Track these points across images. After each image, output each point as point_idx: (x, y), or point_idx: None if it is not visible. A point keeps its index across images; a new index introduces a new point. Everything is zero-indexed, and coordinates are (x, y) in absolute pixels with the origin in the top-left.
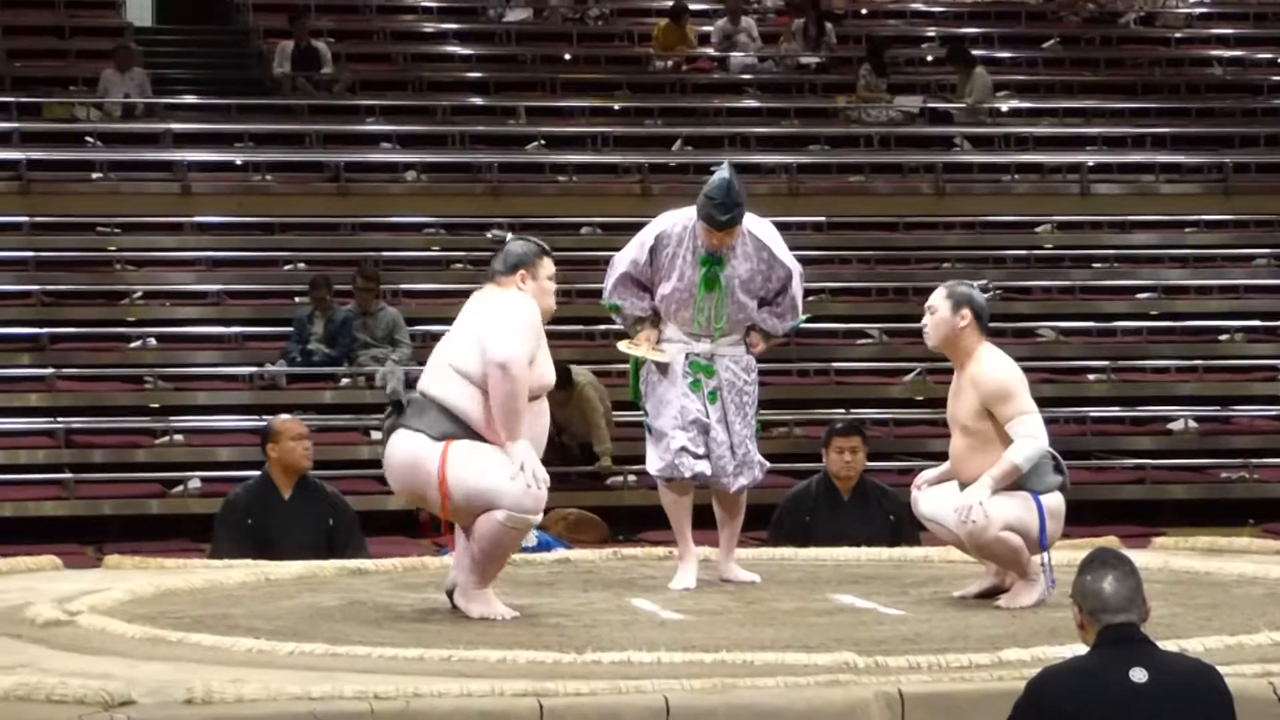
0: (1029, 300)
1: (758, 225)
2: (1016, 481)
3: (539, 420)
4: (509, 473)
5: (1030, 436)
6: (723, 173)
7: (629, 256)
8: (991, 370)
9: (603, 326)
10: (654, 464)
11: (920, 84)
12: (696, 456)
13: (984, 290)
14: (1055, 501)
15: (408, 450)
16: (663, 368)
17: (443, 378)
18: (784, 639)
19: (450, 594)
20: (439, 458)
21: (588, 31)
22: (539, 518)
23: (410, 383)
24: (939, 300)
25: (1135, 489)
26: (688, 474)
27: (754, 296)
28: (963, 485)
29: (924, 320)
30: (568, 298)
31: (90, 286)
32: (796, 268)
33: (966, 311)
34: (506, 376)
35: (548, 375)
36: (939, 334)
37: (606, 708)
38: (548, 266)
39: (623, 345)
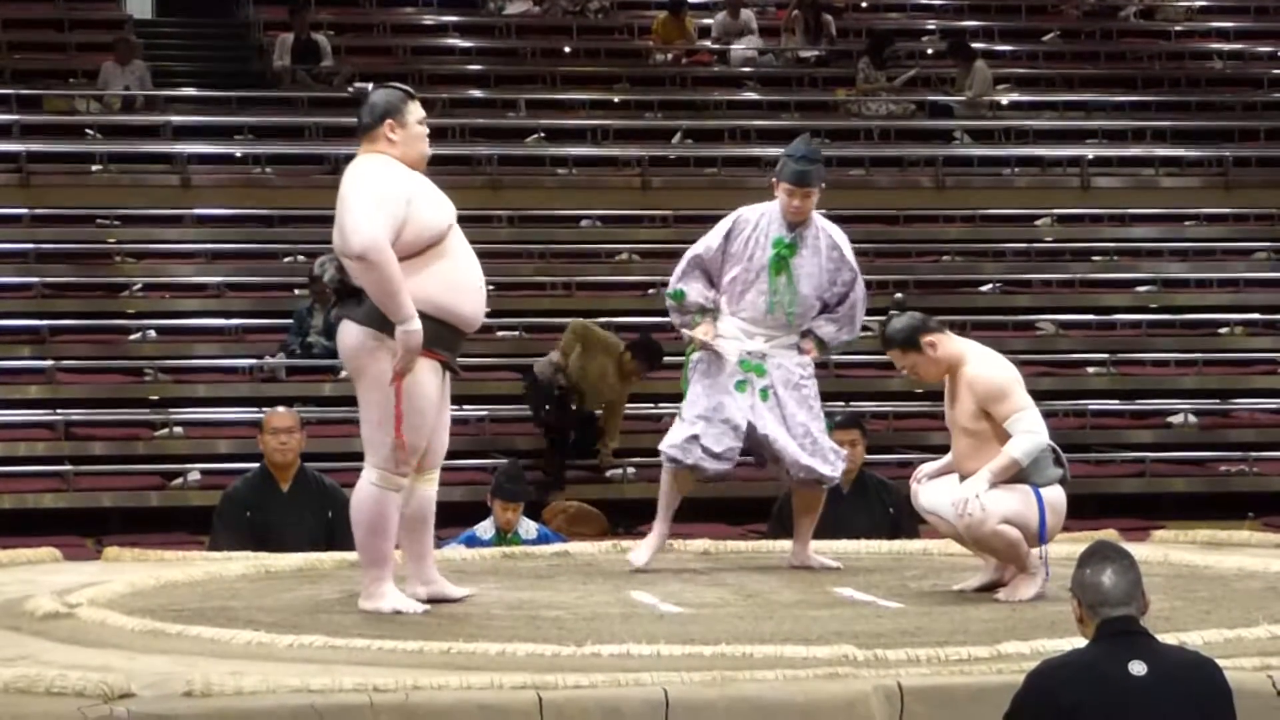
0: (1029, 293)
1: (832, 226)
2: (1017, 475)
3: (454, 265)
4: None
5: (1028, 431)
6: (801, 138)
7: (704, 242)
8: (984, 371)
9: (603, 319)
10: (666, 442)
11: (920, 77)
12: (708, 451)
13: (897, 305)
14: (1056, 495)
15: (349, 345)
16: (717, 358)
17: (344, 265)
18: (783, 632)
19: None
20: (392, 385)
21: (588, 24)
22: (405, 480)
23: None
24: (899, 358)
25: (1135, 482)
26: (688, 460)
27: (818, 295)
28: (961, 476)
29: (905, 373)
30: (567, 291)
31: (90, 279)
32: (861, 277)
33: (928, 338)
34: (367, 266)
35: (434, 222)
36: (931, 374)
37: (606, 700)
38: (416, 110)
39: (690, 331)
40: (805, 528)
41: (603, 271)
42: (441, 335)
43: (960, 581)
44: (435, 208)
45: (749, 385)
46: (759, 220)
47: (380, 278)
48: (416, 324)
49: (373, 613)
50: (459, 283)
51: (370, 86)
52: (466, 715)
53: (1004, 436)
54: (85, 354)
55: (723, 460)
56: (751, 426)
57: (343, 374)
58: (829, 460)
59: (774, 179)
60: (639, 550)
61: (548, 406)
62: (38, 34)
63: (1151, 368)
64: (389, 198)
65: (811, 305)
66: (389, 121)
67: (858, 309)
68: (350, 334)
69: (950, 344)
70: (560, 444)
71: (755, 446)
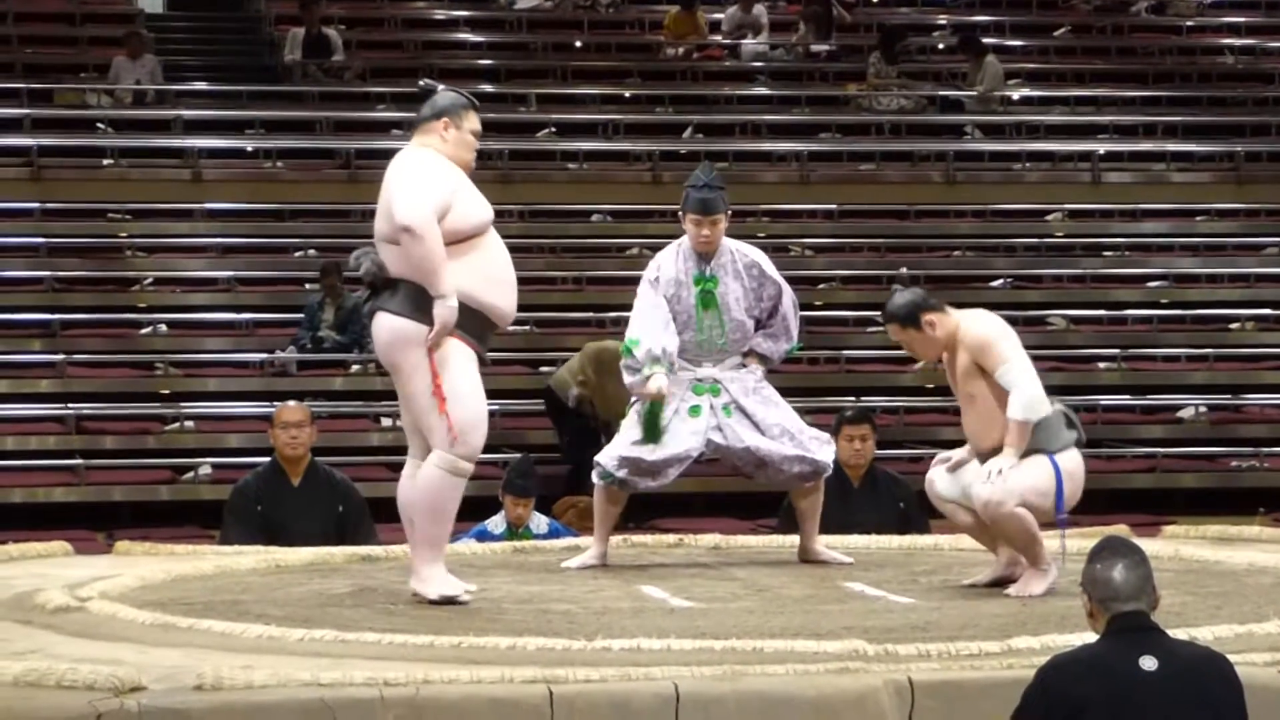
0: (1039, 288)
1: (744, 246)
2: (1031, 444)
3: (490, 259)
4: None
5: (1017, 386)
6: (701, 167)
7: (643, 297)
8: (972, 327)
9: (614, 314)
10: (603, 456)
11: (931, 72)
12: (639, 466)
13: (902, 281)
14: (1072, 460)
15: (387, 334)
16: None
17: (382, 253)
18: (794, 626)
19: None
20: (428, 358)
21: (599, 19)
22: (470, 466)
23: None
24: (898, 332)
25: (1146, 477)
26: (619, 474)
27: (749, 315)
28: (987, 452)
29: (908, 352)
30: (578, 285)
31: (101, 273)
32: (787, 287)
33: (929, 317)
34: (414, 238)
35: (475, 214)
36: (929, 352)
37: (616, 695)
38: (473, 120)
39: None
40: (810, 525)
41: (613, 266)
42: (473, 323)
43: (971, 576)
44: (477, 202)
45: (704, 409)
46: (675, 262)
47: (424, 251)
48: (454, 300)
49: (420, 595)
50: (494, 276)
51: (440, 86)
52: (477, 709)
53: (1000, 395)
54: (96, 348)
55: (655, 477)
56: (719, 447)
57: (353, 369)
58: (816, 446)
59: (680, 213)
60: (577, 558)
61: (566, 425)
62: (49, 28)
63: (1162, 363)
64: (437, 181)
65: (747, 327)
66: (445, 120)
67: (790, 318)
68: (386, 325)
69: (948, 321)
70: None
71: (735, 461)
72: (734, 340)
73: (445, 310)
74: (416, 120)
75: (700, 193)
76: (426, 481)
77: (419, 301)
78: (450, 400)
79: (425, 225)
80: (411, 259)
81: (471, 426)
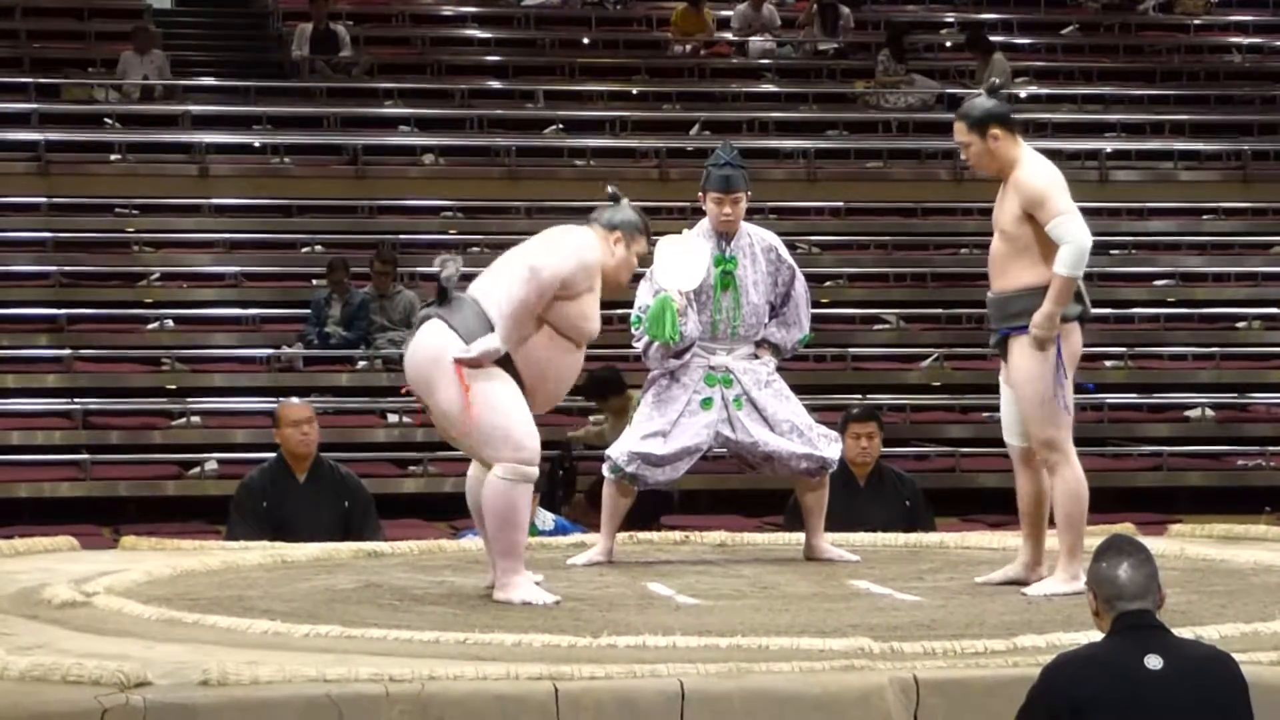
0: None
1: (762, 230)
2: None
3: (563, 363)
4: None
5: (1070, 242)
6: (722, 146)
7: (649, 288)
8: (1030, 175)
9: (620, 311)
10: (613, 450)
11: (939, 70)
12: (650, 459)
13: (992, 89)
14: (1073, 334)
15: (436, 345)
16: (675, 380)
17: (491, 281)
18: (799, 624)
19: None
20: (456, 373)
21: (606, 16)
22: (535, 469)
23: (465, 279)
24: (962, 133)
25: (1152, 476)
26: (629, 469)
27: (765, 299)
28: (999, 294)
29: (962, 156)
30: None
31: (108, 268)
32: (799, 272)
33: (995, 130)
34: (528, 280)
35: (589, 322)
36: (985, 164)
37: (621, 691)
38: (642, 245)
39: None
40: (815, 522)
41: None
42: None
43: (982, 574)
44: (595, 315)
45: (716, 400)
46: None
47: (525, 297)
48: (504, 350)
49: (505, 603)
50: (552, 377)
51: (626, 201)
52: (482, 705)
53: (1042, 244)
54: (103, 343)
55: (666, 470)
56: (728, 440)
57: (360, 364)
58: (823, 444)
59: (700, 192)
60: (583, 554)
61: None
62: (57, 23)
63: (1169, 361)
64: (587, 268)
65: (762, 312)
66: (619, 234)
67: (801, 307)
68: (439, 334)
69: (1013, 146)
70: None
71: (743, 455)
72: (749, 325)
73: (491, 348)
74: (593, 218)
75: (722, 170)
76: (492, 494)
77: (473, 327)
78: (484, 406)
79: (546, 276)
80: (509, 291)
81: (520, 430)
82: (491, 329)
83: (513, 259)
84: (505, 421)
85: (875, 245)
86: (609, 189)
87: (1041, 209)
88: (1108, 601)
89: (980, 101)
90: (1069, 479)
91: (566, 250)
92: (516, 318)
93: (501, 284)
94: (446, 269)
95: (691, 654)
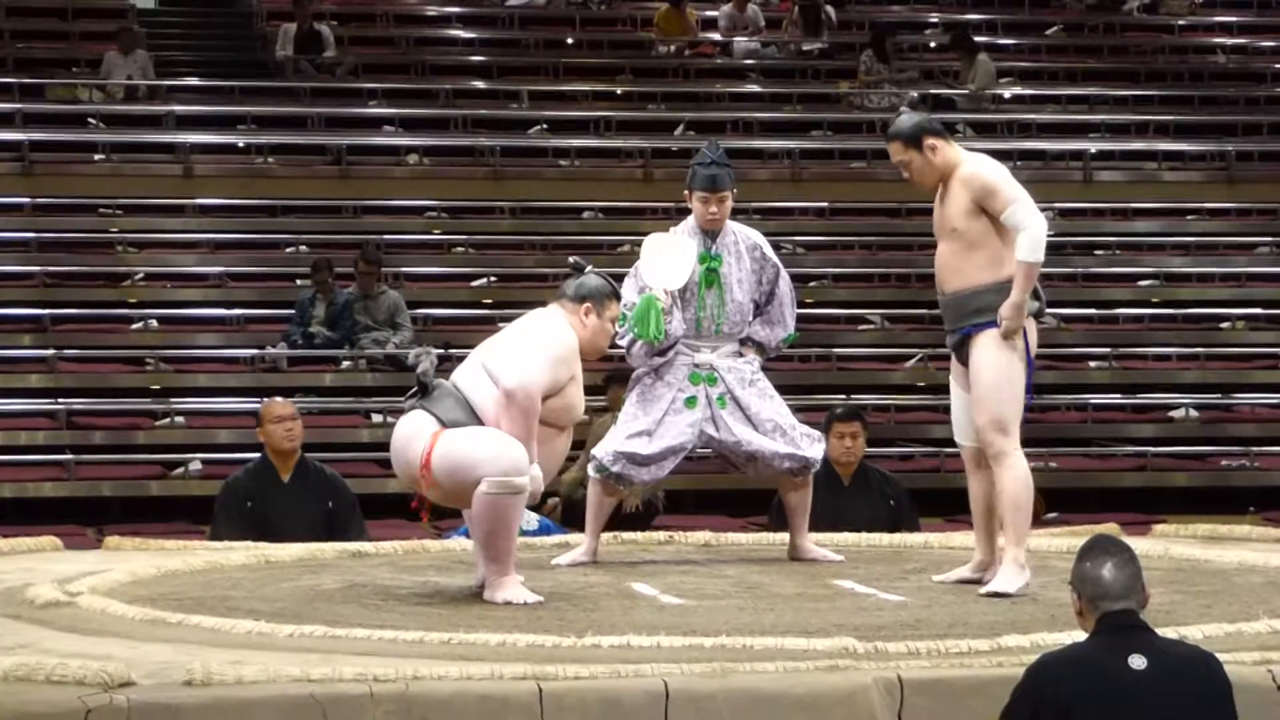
0: None
1: (746, 228)
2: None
3: (553, 452)
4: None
5: (1026, 228)
6: (708, 144)
7: (634, 285)
8: (977, 168)
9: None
10: (599, 450)
11: (923, 70)
12: (635, 459)
13: (910, 105)
14: (1029, 331)
15: (412, 429)
16: (659, 379)
17: (472, 373)
18: (784, 624)
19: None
20: (430, 438)
21: (590, 16)
22: (524, 479)
23: (443, 370)
24: (899, 152)
25: (1136, 476)
26: (614, 468)
27: (750, 297)
28: (955, 293)
29: (904, 175)
30: None
31: (92, 268)
32: (784, 271)
33: (930, 140)
34: (512, 404)
35: (574, 411)
36: (926, 177)
37: (606, 692)
38: (613, 309)
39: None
40: (799, 522)
41: (605, 264)
42: None
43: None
44: (580, 399)
45: (700, 399)
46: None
47: (517, 424)
48: (538, 470)
49: (489, 602)
50: (543, 462)
51: (589, 269)
52: (466, 705)
53: (995, 239)
54: (87, 343)
55: (651, 469)
56: (712, 438)
57: (344, 365)
58: (806, 443)
59: (686, 191)
60: (567, 554)
61: None
62: (41, 22)
63: (1153, 362)
64: (564, 365)
65: (746, 310)
66: (589, 305)
67: (786, 305)
68: (419, 419)
69: (950, 151)
70: None
71: (726, 454)
72: (734, 323)
73: (535, 484)
74: (560, 294)
75: (708, 169)
76: (479, 506)
77: (457, 416)
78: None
79: (527, 399)
80: (504, 422)
81: (494, 446)
82: (470, 414)
83: (492, 353)
84: (472, 443)
85: (860, 245)
86: (571, 260)
87: (994, 198)
88: (1092, 601)
89: (906, 118)
90: (1015, 465)
91: (543, 358)
92: (528, 438)
93: (484, 383)
94: (422, 363)
95: (676, 654)
